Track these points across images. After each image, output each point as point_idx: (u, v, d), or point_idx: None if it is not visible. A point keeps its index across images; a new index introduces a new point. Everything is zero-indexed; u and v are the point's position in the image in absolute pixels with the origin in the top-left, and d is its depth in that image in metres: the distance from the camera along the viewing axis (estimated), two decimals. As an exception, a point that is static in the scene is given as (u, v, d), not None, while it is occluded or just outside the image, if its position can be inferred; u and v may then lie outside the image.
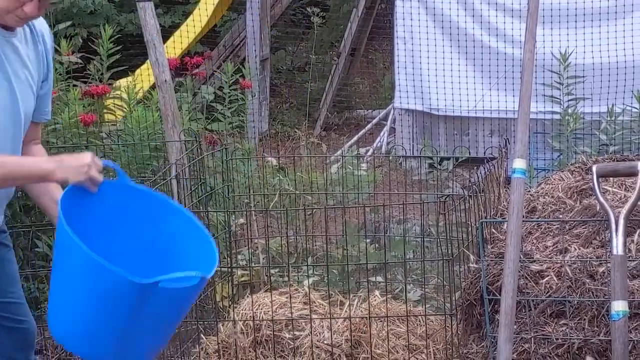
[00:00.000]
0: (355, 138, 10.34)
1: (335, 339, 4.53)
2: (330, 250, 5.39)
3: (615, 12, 8.72)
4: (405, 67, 9.55)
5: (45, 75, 3.50)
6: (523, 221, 4.33)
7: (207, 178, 5.62)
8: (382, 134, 10.21)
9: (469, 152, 6.40)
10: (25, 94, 3.39)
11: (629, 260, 3.88)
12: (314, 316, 4.61)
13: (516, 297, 3.78)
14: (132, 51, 9.84)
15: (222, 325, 4.79)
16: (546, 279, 3.96)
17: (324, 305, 4.79)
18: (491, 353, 3.96)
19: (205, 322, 5.08)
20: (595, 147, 6.73)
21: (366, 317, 4.56)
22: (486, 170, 5.48)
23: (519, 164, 3.90)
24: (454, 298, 4.54)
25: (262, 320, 4.61)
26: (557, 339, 3.84)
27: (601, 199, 3.95)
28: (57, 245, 3.16)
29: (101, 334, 3.06)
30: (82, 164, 3.25)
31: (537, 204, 4.44)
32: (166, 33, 9.60)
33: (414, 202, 5.80)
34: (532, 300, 3.93)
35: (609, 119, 6.84)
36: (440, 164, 6.65)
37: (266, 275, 5.37)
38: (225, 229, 5.52)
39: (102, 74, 6.68)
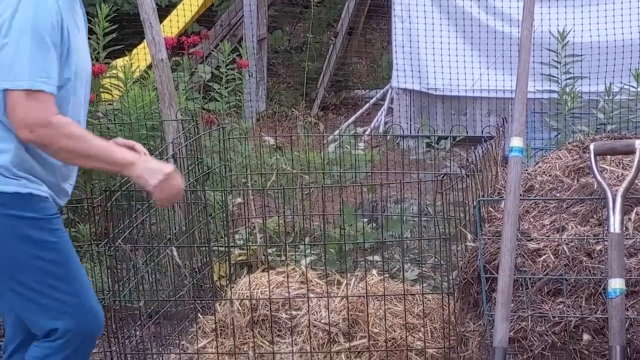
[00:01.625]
0: (352, 118, 10.32)
1: (332, 318, 4.53)
2: (327, 230, 5.39)
3: (613, -9, 8.69)
4: (403, 47, 9.52)
5: None
6: (520, 200, 4.32)
7: (204, 157, 5.61)
8: (379, 113, 10.19)
9: (467, 132, 6.39)
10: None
11: (626, 238, 3.88)
12: (311, 295, 4.61)
13: (513, 276, 3.78)
14: (128, 30, 9.80)
15: (219, 304, 4.79)
16: (543, 257, 3.96)
17: (321, 285, 4.79)
18: (488, 331, 3.97)
19: (203, 302, 5.08)
20: (593, 126, 6.73)
21: (363, 296, 4.56)
22: (484, 149, 5.48)
23: (516, 142, 3.89)
24: (451, 277, 4.54)
25: (259, 300, 4.61)
26: (554, 317, 3.84)
27: (598, 177, 3.95)
28: None
29: None
30: (163, 172, 3.29)
31: (535, 182, 4.44)
32: (163, 12, 9.56)
33: (411, 181, 5.79)
34: (529, 279, 3.93)
35: (606, 97, 6.83)
36: (437, 144, 6.64)
37: (263, 255, 5.37)
38: (222, 208, 5.52)
39: (98, 53, 6.66)
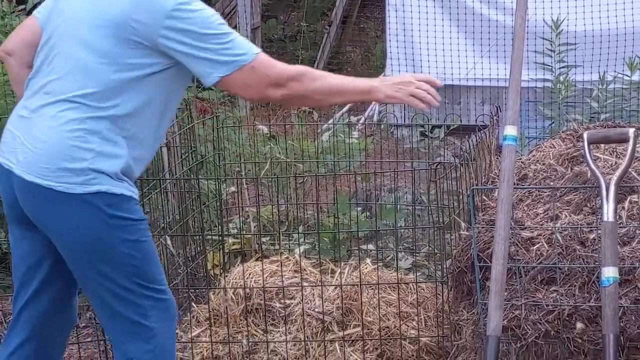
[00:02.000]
0: (346, 107, 10.31)
1: (326, 306, 4.53)
2: (321, 219, 5.39)
3: (608, -21, 8.69)
4: (397, 35, 9.52)
5: None
6: (514, 188, 4.33)
7: (198, 146, 5.61)
8: (373, 102, 10.19)
9: (461, 120, 6.39)
10: None
11: (620, 227, 3.88)
12: (304, 284, 4.61)
13: (507, 264, 3.79)
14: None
15: (213, 293, 4.79)
16: (537, 246, 3.97)
17: (315, 273, 4.79)
18: (482, 320, 3.97)
19: (197, 290, 5.08)
20: (587, 115, 6.73)
21: (357, 285, 4.56)
22: (477, 138, 5.48)
23: (510, 130, 3.89)
24: (444, 266, 4.55)
25: (253, 289, 4.62)
26: (547, 305, 3.84)
27: (592, 165, 3.95)
28: None
29: None
30: (400, 81, 3.48)
31: (528, 171, 4.44)
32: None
33: (405, 170, 5.79)
34: (523, 267, 3.93)
35: (600, 86, 6.83)
36: (431, 132, 6.64)
37: (257, 244, 5.36)
38: (216, 197, 5.51)
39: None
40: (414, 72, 9.45)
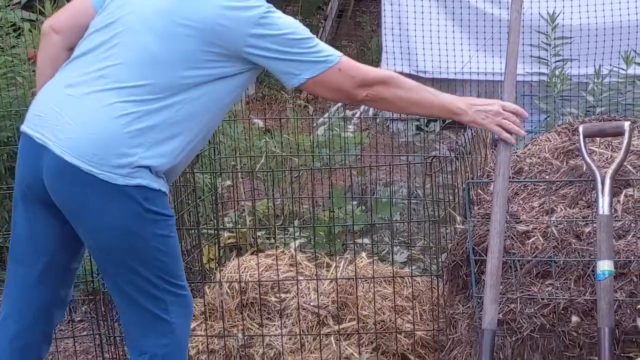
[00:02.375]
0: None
1: (321, 300, 4.54)
2: (316, 212, 5.39)
3: (603, -27, 8.69)
4: (392, 30, 9.52)
5: None
6: (509, 182, 4.33)
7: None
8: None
9: (456, 114, 6.37)
10: None
11: (615, 220, 3.88)
12: (300, 278, 4.61)
13: (502, 258, 3.79)
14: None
15: (209, 287, 4.79)
16: (532, 239, 3.97)
17: (311, 267, 4.79)
18: (477, 313, 3.97)
19: (192, 284, 5.08)
20: (583, 109, 6.73)
21: (352, 279, 4.56)
22: (473, 132, 5.48)
23: (505, 124, 3.88)
24: (440, 259, 4.55)
25: (249, 283, 4.61)
26: (542, 299, 3.84)
27: (587, 158, 3.95)
28: None
29: None
30: (490, 109, 3.57)
31: (524, 164, 4.44)
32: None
33: (400, 163, 5.79)
34: (518, 261, 3.93)
35: (596, 80, 6.84)
36: (427, 126, 6.64)
37: (252, 238, 5.36)
38: (211, 191, 5.51)
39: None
40: (410, 66, 9.45)
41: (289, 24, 3.34)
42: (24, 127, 3.33)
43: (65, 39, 3.46)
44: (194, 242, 5.29)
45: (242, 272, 4.66)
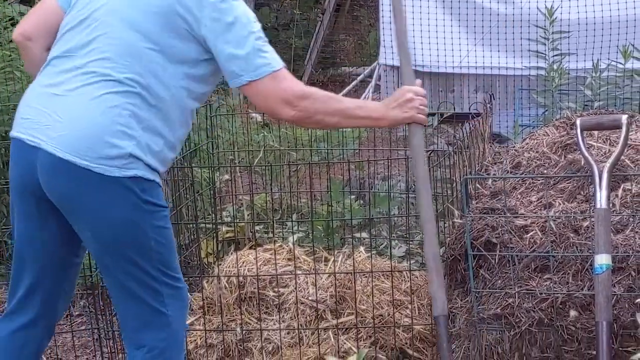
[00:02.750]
0: (340, 95, 10.31)
1: (319, 294, 4.54)
2: (315, 207, 5.39)
3: (601, -33, 8.69)
4: (391, 24, 9.50)
5: None
6: (508, 177, 4.33)
7: (191, 134, 5.60)
8: (367, 91, 10.19)
9: (454, 108, 6.39)
10: None
11: (613, 215, 3.88)
12: (298, 272, 4.61)
13: (500, 252, 3.79)
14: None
15: (207, 281, 4.79)
16: (530, 233, 3.97)
17: (309, 262, 4.79)
18: (475, 307, 3.97)
19: (190, 279, 5.08)
20: (581, 103, 6.73)
21: (351, 273, 4.57)
22: (471, 126, 5.47)
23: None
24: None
25: (247, 277, 4.61)
26: (541, 293, 3.85)
27: (585, 152, 3.95)
28: None
29: None
30: (404, 100, 3.55)
31: (522, 159, 4.44)
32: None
33: (398, 157, 5.79)
34: (517, 255, 3.93)
35: (594, 74, 6.83)
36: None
37: (251, 232, 5.36)
38: (209, 185, 5.51)
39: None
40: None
41: (245, 15, 3.34)
42: (13, 133, 3.34)
43: (42, 43, 3.48)
44: (192, 237, 5.29)
45: (241, 267, 4.66)
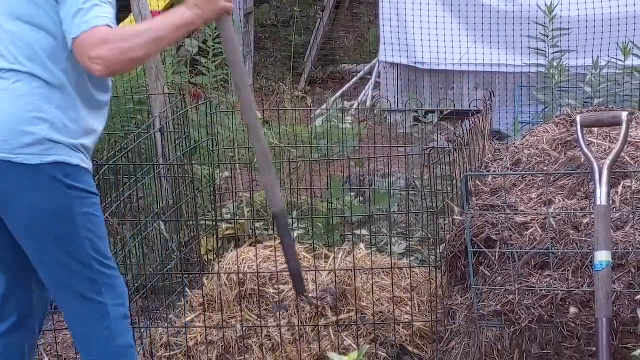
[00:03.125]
0: (340, 92, 10.31)
1: (320, 291, 4.54)
2: (315, 204, 5.39)
3: (601, -36, 8.69)
4: (390, 21, 9.50)
5: None
6: (508, 174, 4.33)
7: (191, 131, 5.60)
8: (367, 88, 10.19)
9: (454, 106, 6.37)
10: None
11: (613, 212, 3.88)
12: (298, 269, 4.61)
13: (500, 249, 3.79)
14: (115, 4, 9.75)
15: (207, 279, 4.79)
16: (531, 230, 3.97)
17: (309, 259, 4.79)
18: (475, 305, 3.98)
19: (190, 276, 5.08)
20: (581, 100, 6.73)
21: (351, 270, 4.57)
22: (471, 123, 5.47)
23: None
24: (438, 250, 4.55)
25: (247, 274, 4.62)
26: (541, 290, 3.85)
27: (585, 149, 3.95)
28: None
29: None
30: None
31: (522, 156, 4.44)
32: (149, -14, 9.50)
33: (398, 155, 5.79)
34: (517, 252, 3.93)
35: (594, 71, 6.83)
36: (425, 118, 6.63)
37: (251, 229, 5.36)
38: (209, 182, 5.51)
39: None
40: (408, 57, 9.45)
41: None
42: None
43: None
44: (192, 234, 5.29)
45: (241, 264, 4.66)
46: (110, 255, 3.45)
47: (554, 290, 3.82)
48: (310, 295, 4.46)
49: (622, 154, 4.06)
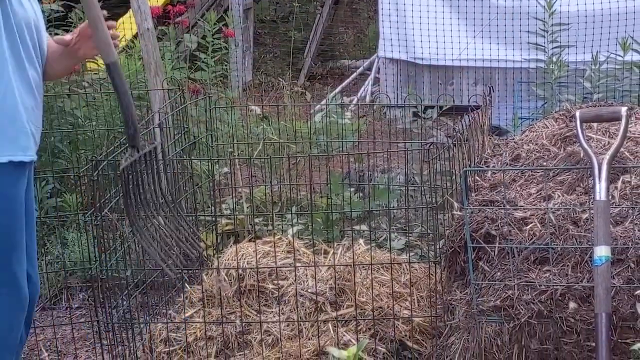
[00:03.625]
0: (339, 88, 10.31)
1: (319, 287, 4.54)
2: (314, 199, 5.38)
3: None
4: (390, 16, 9.50)
5: None
6: (507, 169, 4.33)
7: (190, 127, 5.59)
8: (366, 83, 10.18)
9: (454, 101, 6.39)
10: None
11: (612, 207, 3.88)
12: (298, 265, 4.61)
13: (500, 244, 3.79)
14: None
15: (206, 274, 4.79)
16: (530, 225, 3.97)
17: (308, 254, 4.79)
18: (475, 300, 3.98)
19: (190, 271, 5.08)
20: (580, 95, 6.73)
21: (350, 265, 4.57)
22: (470, 118, 5.47)
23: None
24: (437, 246, 4.55)
25: (246, 269, 4.62)
26: (540, 285, 3.85)
27: (584, 144, 3.95)
28: None
29: None
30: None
31: (521, 151, 4.44)
32: (148, -18, 9.48)
33: (398, 150, 5.78)
34: (516, 247, 3.93)
35: (593, 66, 6.83)
36: (424, 113, 6.63)
37: (250, 225, 5.36)
38: (209, 178, 5.51)
39: (83, 22, 6.61)
40: (407, 52, 9.44)
41: None
42: None
43: None
44: (191, 229, 5.28)
45: (240, 259, 4.66)
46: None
47: (553, 285, 3.82)
48: (309, 291, 4.47)
49: (622, 149, 4.06)
